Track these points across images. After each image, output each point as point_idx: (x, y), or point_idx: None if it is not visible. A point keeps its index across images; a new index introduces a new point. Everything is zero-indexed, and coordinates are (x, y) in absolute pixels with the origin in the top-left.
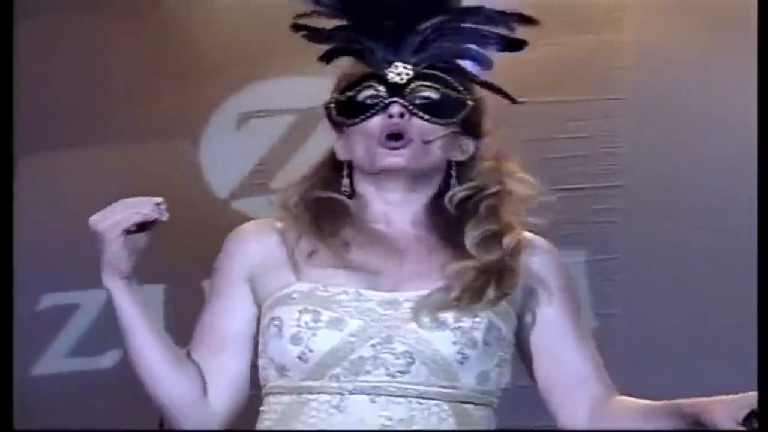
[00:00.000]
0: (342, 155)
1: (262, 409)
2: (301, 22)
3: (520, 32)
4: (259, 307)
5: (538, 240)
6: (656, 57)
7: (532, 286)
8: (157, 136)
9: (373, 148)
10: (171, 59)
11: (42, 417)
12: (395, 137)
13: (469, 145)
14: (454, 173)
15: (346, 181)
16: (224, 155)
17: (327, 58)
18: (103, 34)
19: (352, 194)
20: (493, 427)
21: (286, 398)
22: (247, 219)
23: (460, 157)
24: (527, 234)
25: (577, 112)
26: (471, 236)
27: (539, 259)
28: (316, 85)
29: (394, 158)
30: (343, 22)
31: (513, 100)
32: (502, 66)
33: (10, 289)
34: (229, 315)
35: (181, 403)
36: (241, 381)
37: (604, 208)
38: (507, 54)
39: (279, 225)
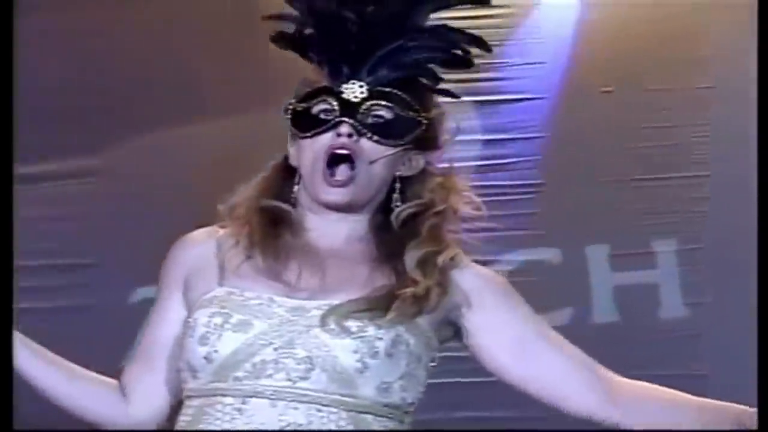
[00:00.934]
0: (293, 161)
1: (180, 413)
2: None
3: None
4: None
5: (475, 265)
6: (744, 46)
7: (456, 302)
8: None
9: (317, 177)
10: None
11: None
12: (340, 161)
13: (418, 160)
14: (397, 187)
15: (297, 188)
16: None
17: (280, 42)
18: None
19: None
20: None
21: (196, 401)
22: None
23: (407, 173)
24: (464, 258)
25: (667, 101)
26: (411, 257)
27: (471, 277)
28: None
29: (335, 196)
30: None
31: (454, 96)
32: (592, 56)
33: (10, 289)
34: (164, 322)
35: (101, 418)
36: (174, 384)
37: (694, 197)
38: (596, 44)
39: (220, 232)
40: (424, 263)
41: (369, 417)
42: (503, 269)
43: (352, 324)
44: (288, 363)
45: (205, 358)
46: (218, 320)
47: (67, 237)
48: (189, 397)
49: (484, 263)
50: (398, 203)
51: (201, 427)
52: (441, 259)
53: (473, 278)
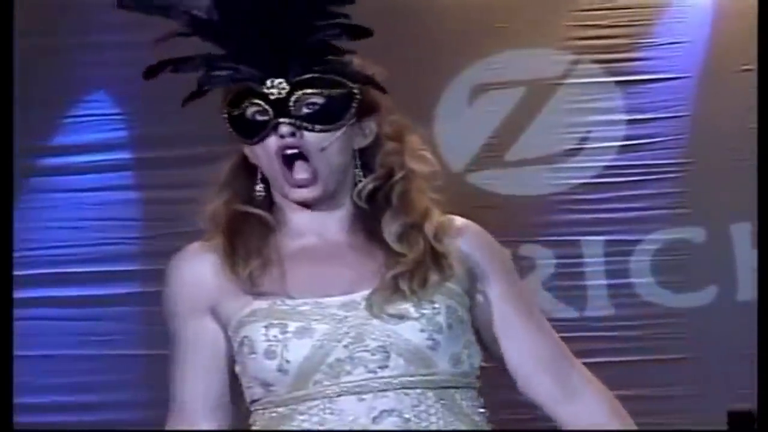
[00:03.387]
0: (252, 160)
1: (254, 426)
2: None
3: None
4: (224, 328)
5: (459, 221)
6: None
7: (471, 269)
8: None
9: (280, 179)
10: (404, 31)
11: None
12: (295, 159)
13: (370, 126)
14: (358, 162)
15: (259, 187)
16: (458, 128)
17: (198, 91)
18: None
19: (267, 199)
20: (480, 407)
21: (280, 410)
22: (482, 194)
23: (363, 144)
24: (447, 217)
25: None
26: (389, 231)
27: (467, 242)
28: (547, 58)
29: (302, 194)
30: (211, 51)
31: (379, 87)
32: (733, 34)
33: (10, 288)
34: (207, 350)
35: None
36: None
37: None
38: (736, 22)
39: (212, 245)
40: (405, 235)
41: (451, 390)
42: (650, 248)
43: (406, 306)
44: (363, 356)
45: (279, 370)
46: (275, 331)
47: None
48: (267, 409)
49: (629, 243)
50: (360, 179)
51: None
52: (427, 229)
53: (479, 249)
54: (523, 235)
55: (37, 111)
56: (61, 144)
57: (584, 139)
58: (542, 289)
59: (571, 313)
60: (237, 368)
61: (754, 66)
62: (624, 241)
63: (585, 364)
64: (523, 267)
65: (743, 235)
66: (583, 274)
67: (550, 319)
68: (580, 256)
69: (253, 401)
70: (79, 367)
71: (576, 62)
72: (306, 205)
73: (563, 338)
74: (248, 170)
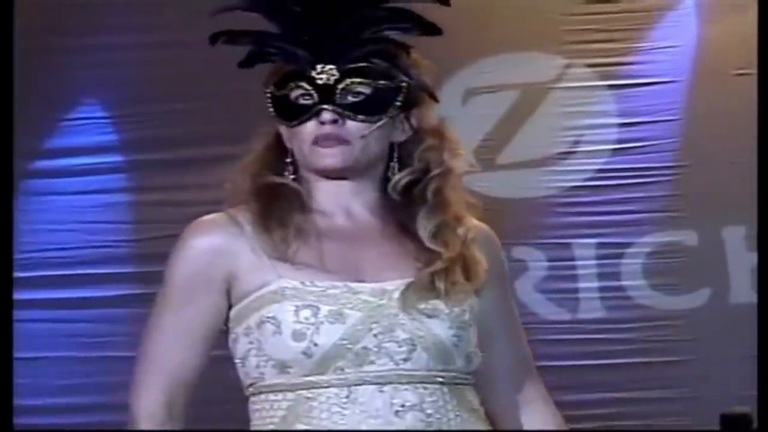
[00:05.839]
0: (287, 142)
1: (256, 407)
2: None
3: None
4: (233, 302)
5: (485, 230)
6: None
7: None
8: None
9: (307, 149)
10: None
11: None
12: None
13: (411, 119)
14: (396, 155)
15: (291, 168)
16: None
17: (248, 62)
18: None
19: (297, 180)
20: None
21: (291, 395)
22: (474, 196)
23: (402, 138)
24: (474, 223)
25: None
26: (424, 228)
27: (488, 250)
28: (539, 62)
29: (329, 159)
30: (264, 29)
31: (428, 89)
32: (724, 38)
33: (10, 289)
34: (207, 318)
35: None
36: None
37: None
38: (728, 26)
39: (238, 217)
40: (440, 234)
41: (462, 387)
42: (642, 251)
43: (438, 302)
44: (390, 347)
45: (304, 353)
46: (306, 313)
47: None
48: (273, 391)
49: (622, 245)
50: (395, 172)
51: (310, 421)
52: (462, 232)
53: (487, 255)
54: (516, 238)
55: (31, 114)
56: (53, 147)
57: (576, 143)
58: (534, 292)
59: (564, 316)
60: (242, 346)
61: (748, 70)
62: (616, 243)
63: (577, 366)
64: (516, 269)
65: (735, 238)
66: (575, 277)
67: (542, 322)
68: (573, 259)
69: (253, 384)
70: (75, 369)
71: (569, 66)
72: (331, 178)
73: (555, 341)
74: (281, 149)
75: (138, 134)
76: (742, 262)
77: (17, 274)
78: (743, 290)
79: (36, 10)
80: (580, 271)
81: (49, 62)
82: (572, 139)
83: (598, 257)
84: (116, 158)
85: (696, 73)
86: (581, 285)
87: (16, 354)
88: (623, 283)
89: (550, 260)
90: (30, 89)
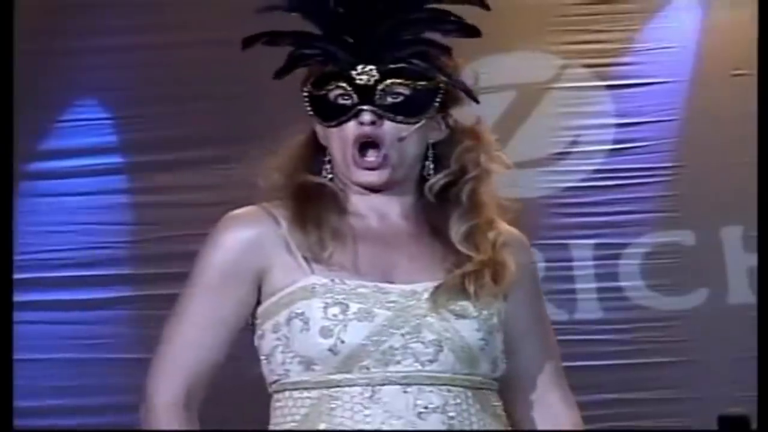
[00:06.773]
0: (323, 141)
1: (279, 405)
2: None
3: None
4: (262, 298)
5: (516, 235)
6: None
7: (518, 283)
8: None
9: (348, 160)
10: None
11: None
12: (369, 146)
13: (449, 120)
14: (430, 155)
15: (328, 167)
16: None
17: (289, 66)
18: None
19: (331, 181)
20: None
21: (314, 393)
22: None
23: (438, 138)
24: (505, 227)
25: None
26: (456, 230)
27: (518, 255)
28: (537, 62)
29: (370, 177)
30: (303, 29)
31: (467, 91)
32: (723, 40)
33: (10, 289)
34: (237, 311)
35: None
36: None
37: None
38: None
39: (274, 212)
40: (472, 237)
41: (486, 392)
42: (639, 251)
43: (467, 304)
44: (416, 347)
45: (330, 350)
46: (335, 310)
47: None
48: (298, 389)
49: (619, 246)
50: (431, 172)
51: (333, 420)
52: (492, 237)
53: (517, 263)
54: None
55: (29, 115)
56: (52, 148)
57: (574, 143)
58: None
59: (561, 316)
60: (269, 343)
61: (745, 71)
62: (613, 244)
63: (574, 367)
64: None
65: (733, 238)
66: (572, 278)
67: None
68: (570, 260)
69: (277, 380)
70: (74, 370)
71: (566, 66)
72: (370, 189)
73: None
74: (317, 149)
75: (137, 136)
76: (739, 262)
77: (17, 276)
78: (741, 290)
79: (36, 12)
80: (578, 272)
81: (49, 64)
82: (569, 139)
83: (596, 258)
84: (115, 160)
85: (693, 73)
86: (579, 285)
87: (16, 355)
88: (621, 283)
89: (547, 261)
90: (30, 91)
